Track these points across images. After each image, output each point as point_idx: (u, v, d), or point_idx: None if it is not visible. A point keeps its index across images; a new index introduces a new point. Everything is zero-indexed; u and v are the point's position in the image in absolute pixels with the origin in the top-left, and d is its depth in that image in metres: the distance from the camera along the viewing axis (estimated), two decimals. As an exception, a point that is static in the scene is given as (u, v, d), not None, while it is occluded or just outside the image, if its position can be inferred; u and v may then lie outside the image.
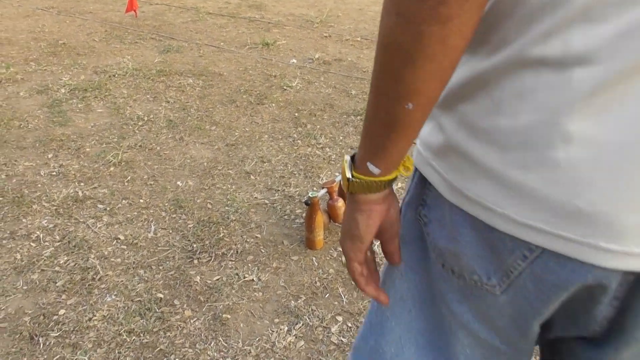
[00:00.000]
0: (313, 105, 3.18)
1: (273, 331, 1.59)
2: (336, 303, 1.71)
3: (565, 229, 0.49)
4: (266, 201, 2.23)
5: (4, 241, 1.93)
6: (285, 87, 3.43)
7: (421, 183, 0.64)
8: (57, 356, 1.48)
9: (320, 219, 1.91)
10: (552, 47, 0.47)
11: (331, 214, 2.02)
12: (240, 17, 5.15)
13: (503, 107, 0.51)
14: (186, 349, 1.53)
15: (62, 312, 1.64)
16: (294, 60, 3.96)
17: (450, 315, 0.65)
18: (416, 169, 0.65)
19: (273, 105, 3.17)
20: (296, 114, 3.05)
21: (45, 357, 1.48)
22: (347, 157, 0.62)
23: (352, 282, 1.79)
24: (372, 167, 0.58)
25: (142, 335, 1.56)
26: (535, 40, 0.48)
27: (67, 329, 1.58)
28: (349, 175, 0.60)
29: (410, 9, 0.45)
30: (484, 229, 0.55)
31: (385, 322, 0.72)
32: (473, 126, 0.54)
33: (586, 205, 0.48)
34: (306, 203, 1.89)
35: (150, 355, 1.50)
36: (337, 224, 2.05)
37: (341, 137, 2.78)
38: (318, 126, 2.90)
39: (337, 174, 2.15)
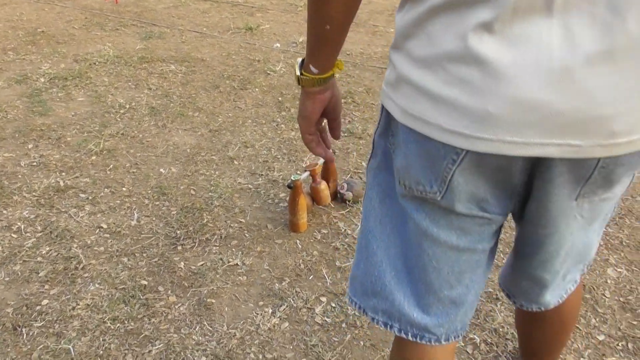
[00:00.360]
0: (297, 89, 3.15)
1: (257, 314, 1.60)
2: (320, 284, 1.72)
3: (480, 131, 0.65)
4: (250, 186, 2.22)
5: (-15, 233, 1.92)
6: (268, 72, 3.40)
7: (387, 116, 0.80)
8: (41, 346, 1.48)
9: (304, 201, 1.91)
10: None
11: (314, 196, 2.02)
12: (223, 2, 5.08)
13: (432, 39, 0.67)
14: (171, 334, 1.53)
15: (45, 302, 1.63)
16: (278, 45, 3.92)
17: (414, 226, 0.80)
18: (382, 105, 0.80)
19: (257, 90, 3.14)
20: (280, 98, 3.03)
21: (29, 347, 1.48)
22: (299, 60, 0.84)
23: (336, 264, 1.80)
24: (312, 68, 0.81)
25: (126, 322, 1.56)
26: None
27: (51, 318, 1.57)
28: (298, 73, 0.83)
29: None
30: (423, 140, 0.70)
31: (369, 245, 0.88)
32: (415, 58, 0.70)
33: (494, 110, 0.63)
34: (289, 186, 1.89)
35: (135, 342, 1.50)
36: (320, 206, 2.05)
37: (323, 123, 2.77)
38: (302, 110, 2.88)
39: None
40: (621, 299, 1.66)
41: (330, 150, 0.97)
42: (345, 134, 2.62)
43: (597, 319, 1.58)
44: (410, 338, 0.87)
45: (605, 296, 1.67)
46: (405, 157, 0.76)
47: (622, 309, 1.62)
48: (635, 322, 1.57)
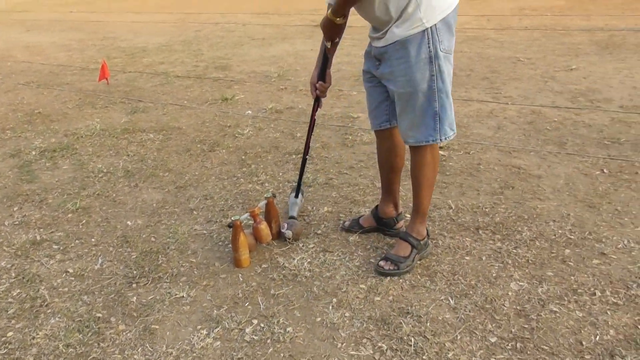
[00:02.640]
0: (260, 148, 3.49)
1: (194, 336, 1.82)
2: (253, 309, 1.93)
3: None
4: (204, 231, 2.49)
5: (-34, 281, 2.18)
6: (237, 135, 3.75)
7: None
8: (2, 369, 1.70)
9: (244, 239, 2.16)
10: None
11: (256, 235, 2.27)
12: (205, 78, 5.58)
13: None
14: (115, 355, 1.75)
15: (10, 334, 1.86)
16: (249, 112, 4.31)
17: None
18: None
19: (223, 151, 3.48)
20: (243, 157, 3.35)
21: (-9, 370, 1.70)
22: (329, 14, 1.89)
23: (271, 292, 2.02)
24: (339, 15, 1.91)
25: (78, 347, 1.78)
26: None
27: (13, 347, 1.80)
28: (331, 17, 1.89)
29: None
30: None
31: (450, 97, 1.94)
32: None
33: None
34: (229, 225, 2.15)
35: (83, 362, 1.72)
36: (262, 244, 2.30)
37: (281, 174, 3.07)
38: (261, 165, 3.20)
39: (263, 199, 2.41)
40: (518, 307, 1.86)
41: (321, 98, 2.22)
42: (296, 184, 2.90)
43: (493, 325, 1.78)
44: (452, 137, 1.97)
45: (504, 306, 1.87)
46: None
47: (517, 315, 1.82)
48: (526, 326, 1.76)
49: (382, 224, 2.35)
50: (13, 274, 2.22)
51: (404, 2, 1.79)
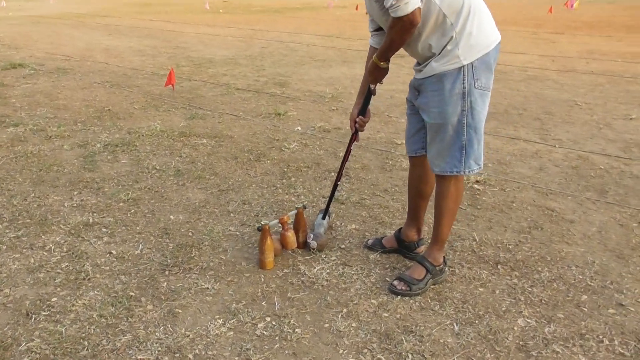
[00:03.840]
0: (302, 163, 3.67)
1: (211, 324, 1.98)
2: (269, 308, 2.08)
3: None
4: (237, 232, 2.67)
5: (24, 250, 2.45)
6: (283, 148, 3.95)
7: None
8: (42, 326, 1.92)
9: (271, 243, 2.32)
10: None
11: (282, 241, 2.43)
12: (263, 92, 5.87)
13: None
14: (140, 330, 1.93)
15: (54, 299, 2.10)
16: (299, 128, 4.52)
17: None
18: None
19: (268, 161, 3.68)
20: (285, 169, 3.54)
21: (34, 327, 1.92)
22: (374, 58, 2.07)
23: (288, 294, 2.16)
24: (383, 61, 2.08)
25: (109, 318, 1.99)
26: None
27: (55, 310, 2.02)
28: (376, 60, 2.06)
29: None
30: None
31: (481, 132, 2.06)
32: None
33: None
34: (258, 229, 2.32)
35: (112, 332, 1.91)
36: (289, 251, 2.45)
37: (317, 189, 3.23)
38: (300, 179, 3.37)
39: (294, 209, 2.56)
40: (520, 342, 1.90)
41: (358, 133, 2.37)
42: (330, 200, 3.05)
43: (492, 355, 1.83)
44: (477, 171, 2.09)
45: (507, 339, 1.91)
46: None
47: (517, 349, 1.86)
48: None
49: (403, 247, 2.45)
50: (65, 249, 2.47)
51: (445, 40, 1.92)
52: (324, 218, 2.61)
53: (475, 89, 1.94)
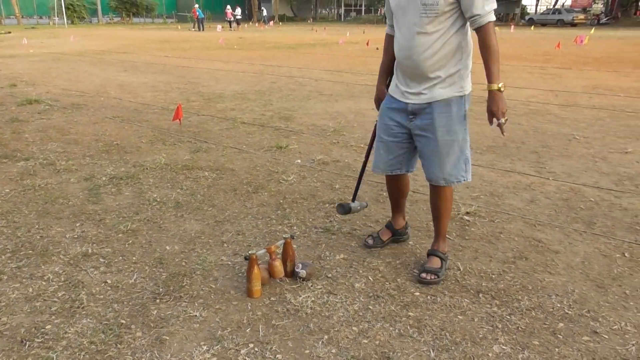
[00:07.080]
0: (299, 194, 3.78)
1: (196, 350, 2.06)
2: (252, 334, 2.15)
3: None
4: (229, 262, 2.77)
5: (24, 280, 2.57)
6: (281, 180, 4.08)
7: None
8: (35, 355, 2.02)
9: (258, 272, 2.41)
10: None
11: (270, 270, 2.52)
12: (268, 126, 6.04)
13: None
14: (128, 356, 2.02)
15: (48, 327, 2.20)
16: (299, 161, 4.65)
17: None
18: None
19: (265, 193, 3.80)
20: (281, 201, 3.65)
21: (26, 353, 2.02)
22: (499, 84, 2.26)
23: (272, 322, 2.24)
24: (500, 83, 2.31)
25: (99, 345, 2.08)
26: None
27: (48, 337, 2.12)
28: (500, 86, 2.26)
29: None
30: None
31: (468, 148, 2.50)
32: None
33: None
34: (245, 258, 2.41)
35: (100, 358, 2.00)
36: (276, 279, 2.54)
37: (310, 220, 3.32)
38: (295, 210, 3.47)
39: (281, 239, 2.66)
40: (495, 368, 1.94)
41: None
42: (321, 230, 3.14)
43: (465, 381, 1.88)
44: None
45: (481, 365, 1.96)
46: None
47: (491, 376, 1.91)
48: (497, 386, 1.85)
49: (396, 234, 2.95)
50: (62, 279, 2.59)
51: (455, 68, 2.36)
52: (353, 201, 3.03)
53: (467, 112, 2.44)
